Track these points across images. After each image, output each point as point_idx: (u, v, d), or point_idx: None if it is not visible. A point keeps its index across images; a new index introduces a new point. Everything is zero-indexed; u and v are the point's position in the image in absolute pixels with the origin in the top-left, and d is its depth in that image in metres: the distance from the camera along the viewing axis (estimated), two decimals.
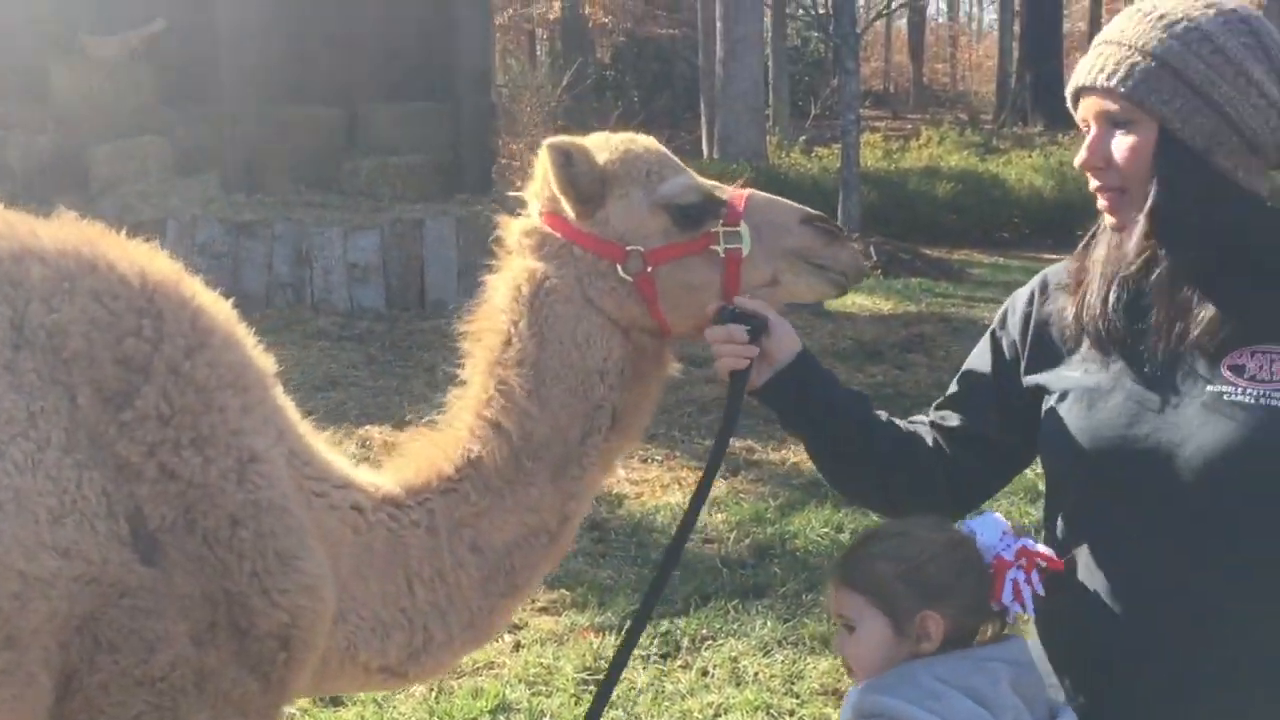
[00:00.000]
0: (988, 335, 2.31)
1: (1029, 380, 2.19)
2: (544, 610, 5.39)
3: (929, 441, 2.29)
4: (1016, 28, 30.89)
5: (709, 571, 5.82)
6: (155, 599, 1.85)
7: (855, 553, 2.10)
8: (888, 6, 21.14)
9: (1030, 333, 2.21)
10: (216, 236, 11.00)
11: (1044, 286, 2.23)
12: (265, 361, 2.14)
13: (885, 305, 12.44)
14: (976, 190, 19.08)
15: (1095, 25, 40.05)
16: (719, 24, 18.77)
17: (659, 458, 7.43)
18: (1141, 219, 1.99)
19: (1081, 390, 2.07)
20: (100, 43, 13.47)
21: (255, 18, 12.58)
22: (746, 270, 2.28)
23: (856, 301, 12.37)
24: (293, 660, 1.98)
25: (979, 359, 2.30)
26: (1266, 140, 1.99)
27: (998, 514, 2.11)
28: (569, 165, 2.28)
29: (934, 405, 2.38)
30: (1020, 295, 2.27)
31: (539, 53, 34.92)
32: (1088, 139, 2.05)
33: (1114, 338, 2.04)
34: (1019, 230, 18.55)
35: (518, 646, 5.05)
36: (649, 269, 2.27)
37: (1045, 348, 2.18)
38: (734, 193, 2.35)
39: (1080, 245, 2.17)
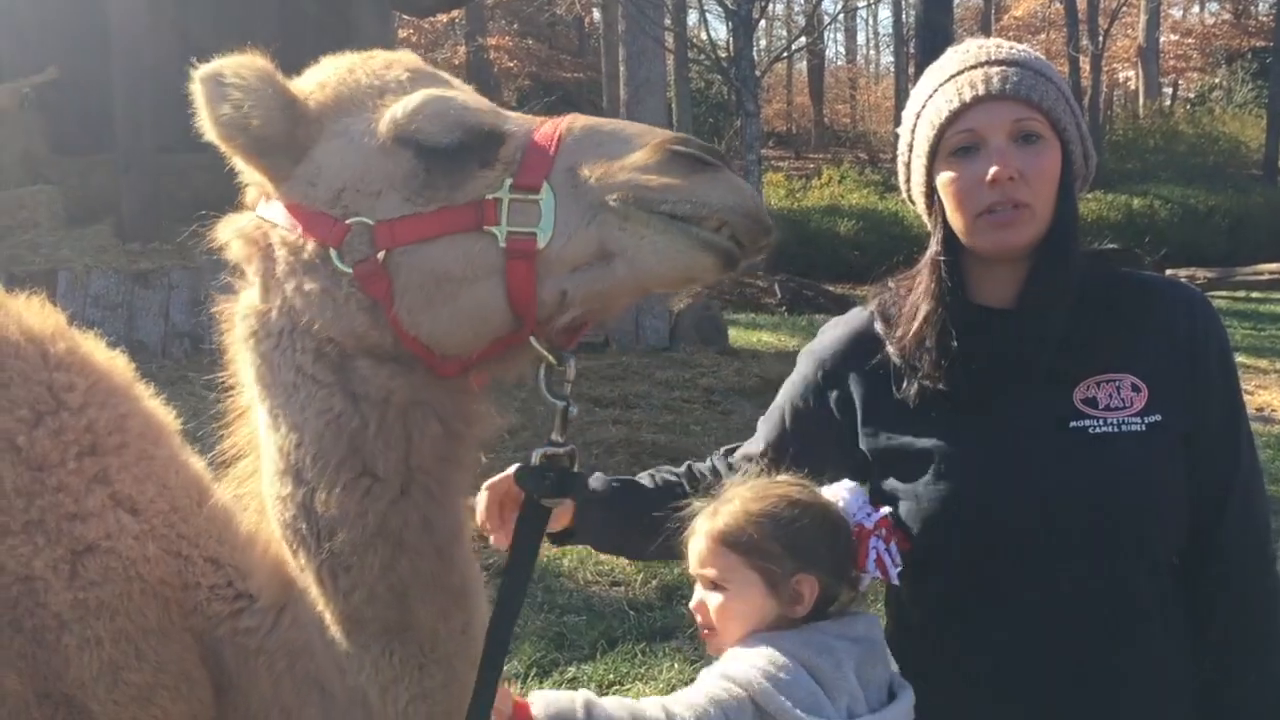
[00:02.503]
0: (800, 385, 2.21)
1: (867, 444, 2.11)
2: None
3: (706, 470, 2.24)
4: (911, 69, 31.65)
5: (616, 615, 5.78)
6: None
7: (730, 512, 1.96)
8: (786, 50, 21.50)
9: (861, 392, 2.12)
10: (110, 287, 10.73)
11: (860, 339, 2.14)
12: (163, 416, 1.93)
13: (791, 341, 12.58)
14: (877, 227, 19.47)
15: None
16: (622, 68, 18.94)
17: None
18: (1035, 249, 1.97)
19: (941, 456, 2.00)
20: None
21: (150, 63, 12.37)
22: (555, 248, 1.44)
23: (762, 339, 12.50)
24: None
25: (788, 413, 2.22)
26: (1090, 175, 2.07)
27: (854, 482, 2.06)
28: (221, 96, 1.50)
29: (724, 451, 2.31)
30: (834, 349, 2.17)
31: None
32: (993, 148, 1.94)
33: (962, 383, 1.98)
34: None
35: None
36: (378, 254, 1.46)
37: (877, 402, 2.09)
38: (539, 125, 1.50)
39: (890, 292, 2.13)
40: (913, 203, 2.13)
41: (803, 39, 24.77)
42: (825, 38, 39.31)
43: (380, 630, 1.58)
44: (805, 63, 38.99)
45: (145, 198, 12.26)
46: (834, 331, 2.21)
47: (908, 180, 2.11)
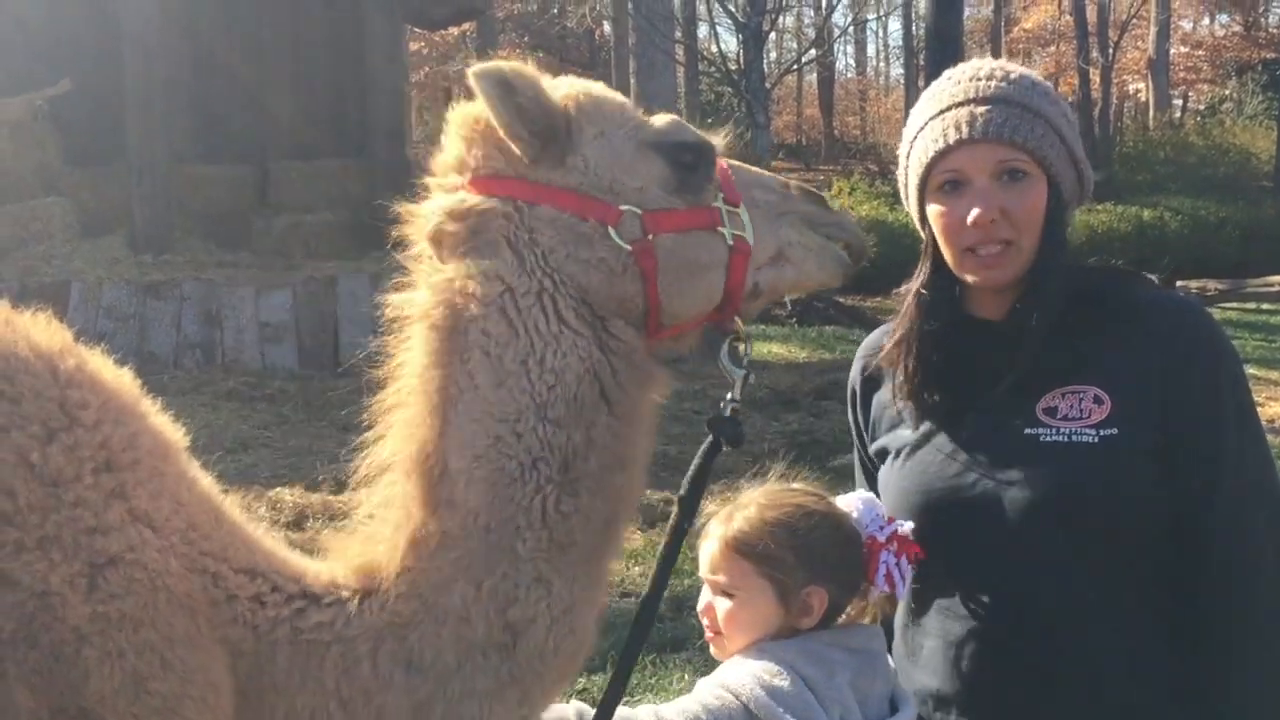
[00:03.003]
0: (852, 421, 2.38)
1: (873, 447, 2.26)
2: None
3: None
4: (921, 81, 31.65)
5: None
6: None
7: (745, 518, 1.97)
8: (797, 62, 21.56)
9: (866, 405, 2.29)
10: (122, 298, 10.80)
11: (867, 355, 2.30)
12: (171, 433, 1.90)
13: (800, 354, 12.59)
14: (887, 239, 19.35)
15: None
16: (633, 80, 18.99)
17: None
18: (1026, 275, 2.03)
19: (910, 447, 2.12)
20: (4, 104, 13.24)
21: (163, 76, 12.46)
22: (755, 250, 1.83)
23: (772, 350, 12.49)
24: None
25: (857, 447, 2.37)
26: (1088, 193, 2.11)
27: (870, 494, 2.09)
28: (513, 93, 1.70)
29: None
30: (853, 371, 2.35)
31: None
32: (976, 190, 2.00)
33: (934, 393, 2.09)
34: None
35: None
36: (649, 235, 1.74)
37: (880, 414, 2.25)
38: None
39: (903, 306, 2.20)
40: (913, 220, 2.21)
41: (813, 51, 24.83)
42: (835, 50, 39.39)
43: (580, 557, 1.77)
44: (815, 75, 39.09)
45: (157, 209, 12.34)
46: (859, 353, 2.36)
47: (906, 199, 2.19)
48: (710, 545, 1.98)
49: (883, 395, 2.22)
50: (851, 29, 38.27)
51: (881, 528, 1.99)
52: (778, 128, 40.07)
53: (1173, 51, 38.17)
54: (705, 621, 2.01)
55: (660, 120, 1.84)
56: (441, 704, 1.79)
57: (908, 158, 2.11)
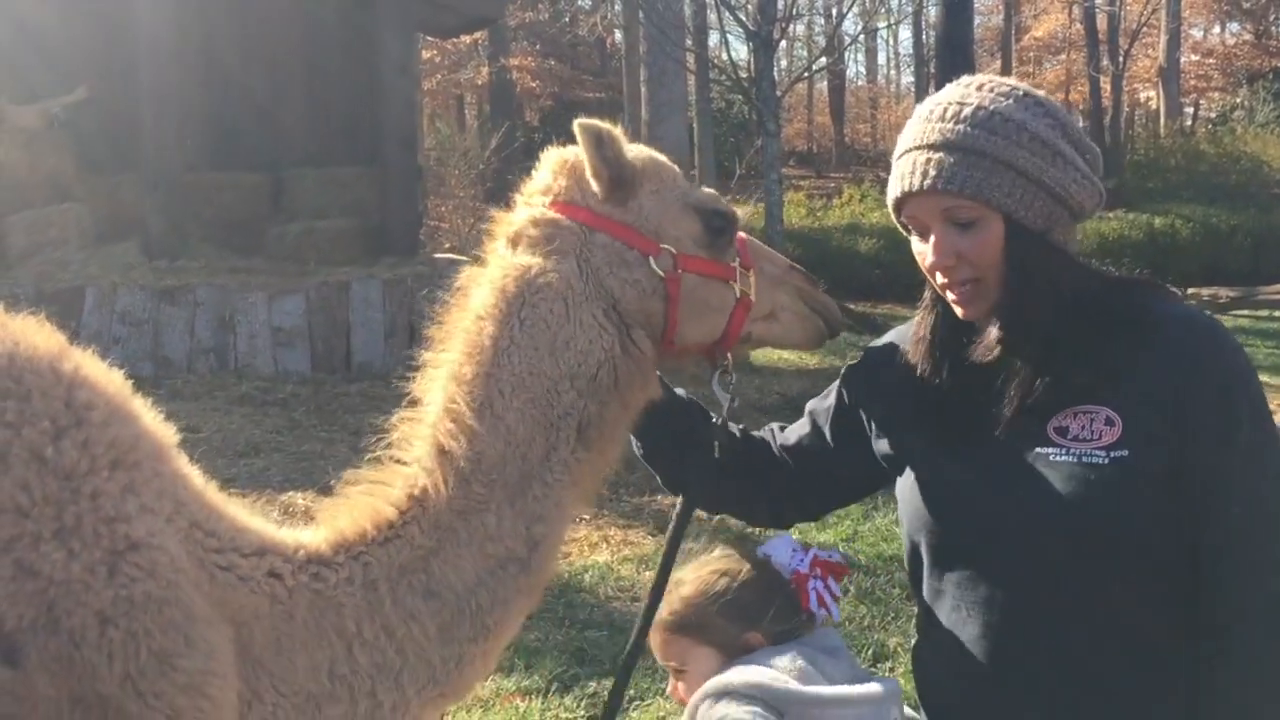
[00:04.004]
0: (838, 386, 2.43)
1: (878, 446, 2.30)
2: None
3: (774, 450, 2.46)
4: (931, 88, 31.63)
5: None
6: (15, 703, 1.72)
7: (669, 604, 2.20)
8: (807, 70, 21.57)
9: (875, 399, 2.32)
10: (137, 304, 10.86)
11: (888, 353, 2.33)
12: (164, 432, 1.99)
13: (811, 360, 12.62)
14: (898, 246, 19.33)
15: None
16: (644, 88, 19.06)
17: (586, 517, 7.43)
18: (997, 312, 2.05)
19: (926, 462, 2.16)
20: (20, 111, 13.35)
21: (178, 83, 12.55)
22: (754, 306, 2.27)
23: (783, 356, 12.53)
24: None
25: (825, 404, 2.44)
26: (1089, 209, 2.10)
27: (784, 535, 2.29)
28: (603, 145, 2.18)
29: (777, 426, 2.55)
30: (870, 358, 2.39)
31: (467, 116, 35.08)
32: (931, 242, 2.07)
33: (947, 410, 2.13)
34: None
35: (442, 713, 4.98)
36: (679, 270, 2.18)
37: (889, 414, 2.28)
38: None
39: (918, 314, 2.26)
40: None
41: (823, 59, 24.84)
42: (846, 58, 39.40)
43: (579, 495, 2.19)
44: (826, 83, 39.10)
45: (171, 216, 12.42)
46: (878, 343, 2.42)
47: None
48: (655, 636, 2.20)
49: (889, 390, 2.26)
50: (862, 37, 38.32)
51: (801, 560, 2.19)
52: (789, 135, 40.10)
53: (1184, 59, 38.13)
54: (677, 700, 2.21)
55: (703, 190, 2.32)
56: (467, 620, 2.06)
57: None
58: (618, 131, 2.22)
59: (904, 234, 2.16)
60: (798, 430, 2.48)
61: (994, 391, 2.06)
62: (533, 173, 2.29)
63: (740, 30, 16.35)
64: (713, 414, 2.40)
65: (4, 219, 12.33)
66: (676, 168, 2.33)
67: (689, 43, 18.26)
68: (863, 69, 49.41)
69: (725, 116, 30.76)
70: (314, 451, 8.64)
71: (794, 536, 2.26)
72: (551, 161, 2.26)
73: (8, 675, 1.69)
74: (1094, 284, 2.10)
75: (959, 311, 2.10)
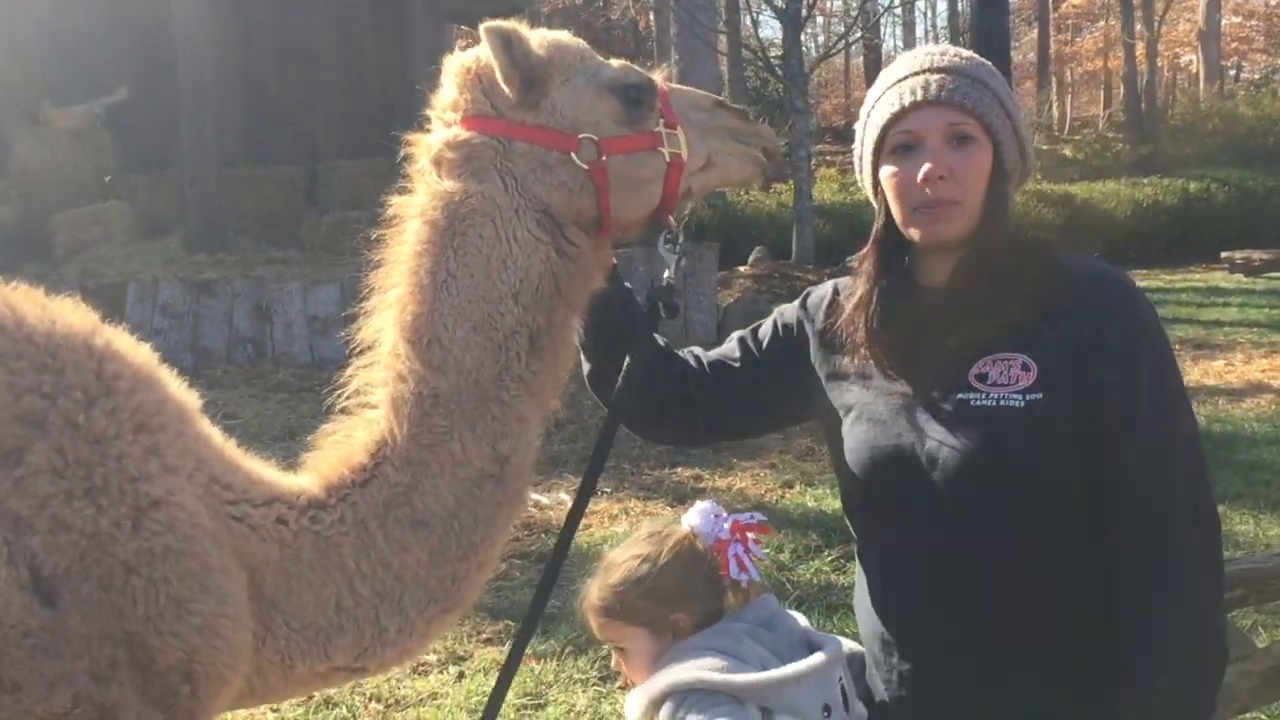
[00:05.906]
0: (774, 319, 2.49)
1: (808, 382, 2.38)
2: (488, 640, 5.56)
3: (693, 363, 2.50)
4: None
5: None
6: (53, 639, 1.92)
7: (597, 589, 2.25)
8: (839, 44, 21.56)
9: (819, 342, 2.40)
10: (177, 296, 11.18)
11: (833, 299, 2.39)
12: (188, 397, 2.20)
13: None
14: None
15: (1043, 57, 40.64)
16: (675, 69, 19.14)
17: (607, 489, 7.61)
18: (963, 241, 2.16)
19: (860, 407, 2.27)
20: (64, 113, 13.75)
21: (214, 81, 12.85)
22: (688, 162, 2.28)
23: None
24: (198, 693, 2.04)
25: (758, 333, 2.49)
26: (1023, 180, 2.26)
27: (705, 502, 2.29)
28: (510, 48, 2.14)
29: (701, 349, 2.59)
30: (814, 299, 2.44)
31: None
32: (930, 150, 2.13)
33: (882, 356, 2.24)
34: None
35: (461, 676, 5.20)
36: (603, 157, 2.18)
37: (825, 354, 2.36)
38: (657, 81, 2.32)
39: (851, 271, 2.36)
40: (866, 191, 2.33)
41: (856, 33, 24.75)
42: (882, 31, 39.15)
43: (541, 403, 2.26)
44: (862, 57, 38.86)
45: (210, 211, 12.74)
46: (816, 291, 2.49)
47: (860, 172, 2.32)
48: (590, 619, 2.26)
49: (826, 332, 2.35)
50: (899, 9, 38.05)
51: (721, 527, 2.21)
52: (825, 111, 39.90)
53: (1224, 22, 37.49)
54: (620, 672, 2.31)
55: (612, 64, 2.29)
56: (454, 541, 2.19)
57: (864, 127, 2.26)
58: (524, 28, 2.19)
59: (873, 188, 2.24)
60: (723, 350, 2.53)
61: (928, 339, 2.18)
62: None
63: (769, 9, 16.40)
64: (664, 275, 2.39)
65: (51, 218, 12.74)
66: (580, 42, 2.30)
67: (720, 24, 18.33)
68: (900, 42, 49.02)
69: (760, 95, 30.74)
70: None
71: (714, 503, 2.29)
72: (454, 72, 2.24)
73: (47, 615, 1.91)
74: (1014, 239, 2.24)
75: (925, 232, 2.17)
